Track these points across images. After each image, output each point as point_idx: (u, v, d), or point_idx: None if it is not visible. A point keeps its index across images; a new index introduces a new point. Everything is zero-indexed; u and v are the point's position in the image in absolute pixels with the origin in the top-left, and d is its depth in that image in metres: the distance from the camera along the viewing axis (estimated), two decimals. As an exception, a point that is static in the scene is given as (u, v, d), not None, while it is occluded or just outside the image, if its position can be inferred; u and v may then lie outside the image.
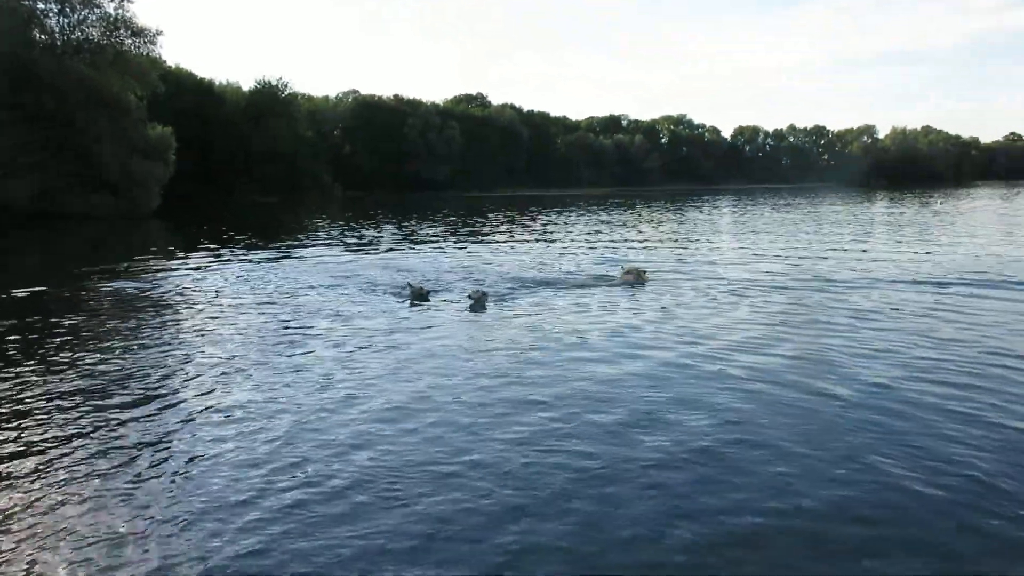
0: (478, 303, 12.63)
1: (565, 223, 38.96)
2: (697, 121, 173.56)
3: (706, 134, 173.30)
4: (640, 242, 27.08)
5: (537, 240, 28.50)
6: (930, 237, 27.28)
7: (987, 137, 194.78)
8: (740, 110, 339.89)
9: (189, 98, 69.01)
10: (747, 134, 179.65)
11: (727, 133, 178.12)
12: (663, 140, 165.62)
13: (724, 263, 19.97)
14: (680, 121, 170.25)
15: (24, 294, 15.94)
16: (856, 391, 7.87)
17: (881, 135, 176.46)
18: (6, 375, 9.07)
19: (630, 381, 8.35)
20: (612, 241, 27.44)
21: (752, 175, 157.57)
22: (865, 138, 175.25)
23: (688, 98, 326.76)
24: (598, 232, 32.08)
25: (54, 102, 43.56)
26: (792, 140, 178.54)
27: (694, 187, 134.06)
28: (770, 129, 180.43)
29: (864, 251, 22.82)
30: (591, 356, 9.51)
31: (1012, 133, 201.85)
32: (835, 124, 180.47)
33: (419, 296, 13.54)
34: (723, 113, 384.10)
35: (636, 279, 15.51)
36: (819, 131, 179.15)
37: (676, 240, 28.19)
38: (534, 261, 20.72)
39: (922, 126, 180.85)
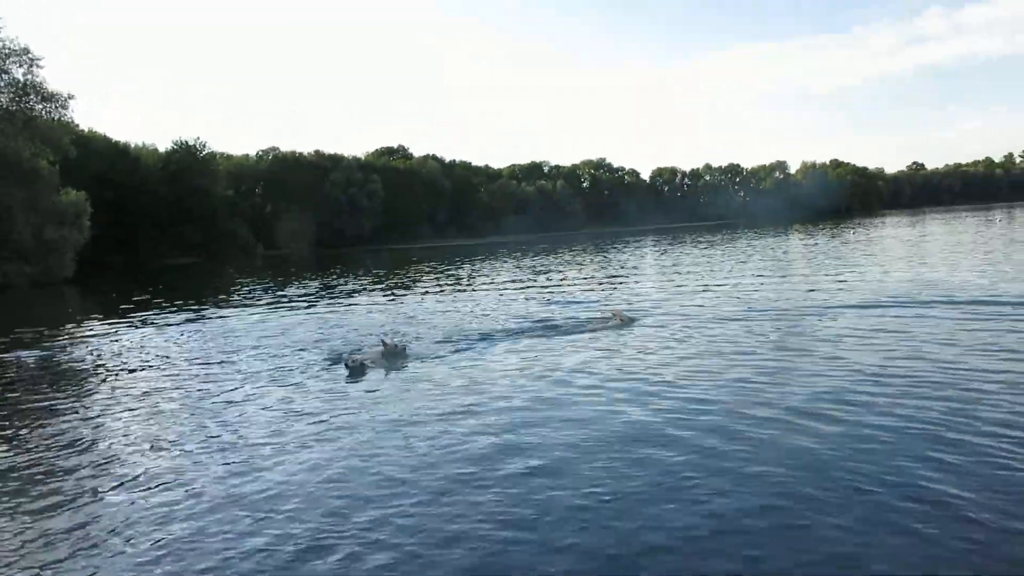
0: (356, 370, 11.97)
1: (493, 271, 39.63)
2: (616, 164, 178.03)
3: (626, 176, 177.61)
4: (582, 283, 27.87)
5: (470, 289, 29.01)
6: (855, 264, 28.79)
7: (891, 168, 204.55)
8: (658, 151, 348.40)
9: (103, 161, 68.21)
10: (665, 175, 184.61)
11: (646, 175, 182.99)
12: (585, 184, 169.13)
13: (663, 300, 20.58)
14: (600, 165, 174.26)
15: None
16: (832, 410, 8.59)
17: (792, 170, 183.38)
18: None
19: (578, 429, 8.57)
20: (546, 287, 28.08)
21: (673, 214, 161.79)
22: (778, 173, 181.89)
23: (607, 141, 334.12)
24: (532, 278, 32.75)
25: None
26: (708, 179, 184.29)
27: (617, 228, 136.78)
28: (687, 169, 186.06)
29: (801, 279, 24.11)
30: (568, 396, 9.99)
31: (914, 163, 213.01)
32: (748, 162, 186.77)
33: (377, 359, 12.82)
34: (641, 155, 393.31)
35: (623, 322, 15.55)
36: (734, 169, 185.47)
37: (613, 280, 29.09)
38: (473, 311, 20.71)
39: (831, 159, 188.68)
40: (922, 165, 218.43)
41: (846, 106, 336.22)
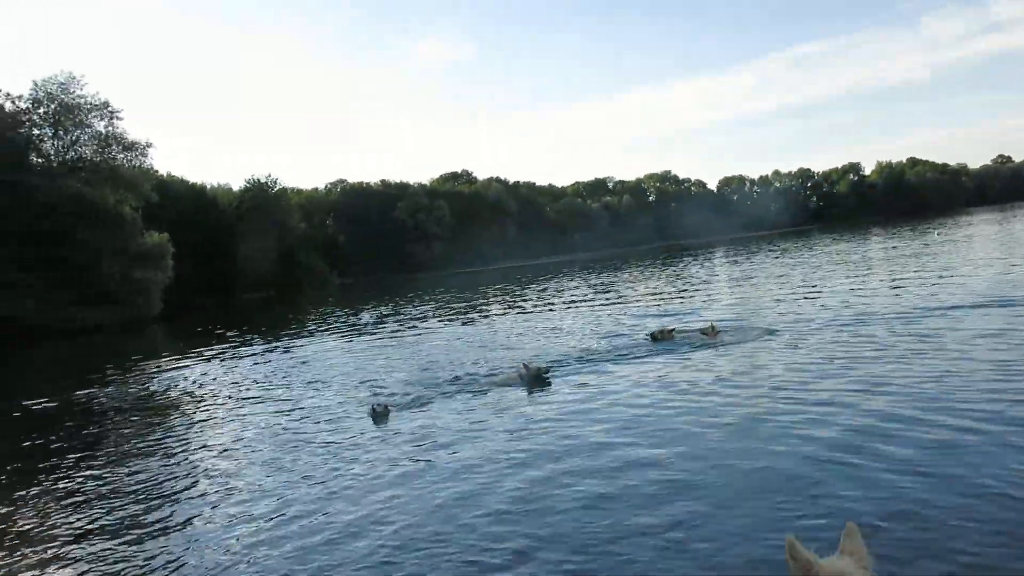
0: (380, 416, 11.43)
1: (572, 289, 39.88)
2: (682, 176, 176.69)
3: (692, 187, 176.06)
4: (671, 296, 27.77)
5: (554, 307, 29.24)
6: (941, 266, 27.71)
7: (975, 163, 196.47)
8: (723, 161, 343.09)
9: (183, 203, 71.11)
10: (733, 184, 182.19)
11: (713, 185, 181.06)
12: (651, 198, 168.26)
13: (755, 311, 20.38)
14: (665, 177, 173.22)
15: (33, 406, 16.96)
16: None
17: (867, 171, 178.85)
18: (17, 487, 10.06)
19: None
20: (629, 301, 28.20)
21: (742, 223, 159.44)
22: (851, 175, 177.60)
23: (671, 154, 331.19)
24: (612, 293, 32.86)
25: (50, 221, 45.16)
26: (778, 185, 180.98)
27: (686, 241, 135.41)
28: (755, 176, 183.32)
29: (884, 284, 23.61)
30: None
31: (1000, 156, 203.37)
32: (819, 166, 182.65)
33: (536, 377, 12.70)
34: (706, 166, 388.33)
35: (713, 335, 15.20)
36: (804, 173, 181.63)
37: (701, 291, 29.03)
38: (563, 330, 20.74)
39: (907, 158, 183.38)
40: (1009, 158, 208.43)
41: (919, 98, 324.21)
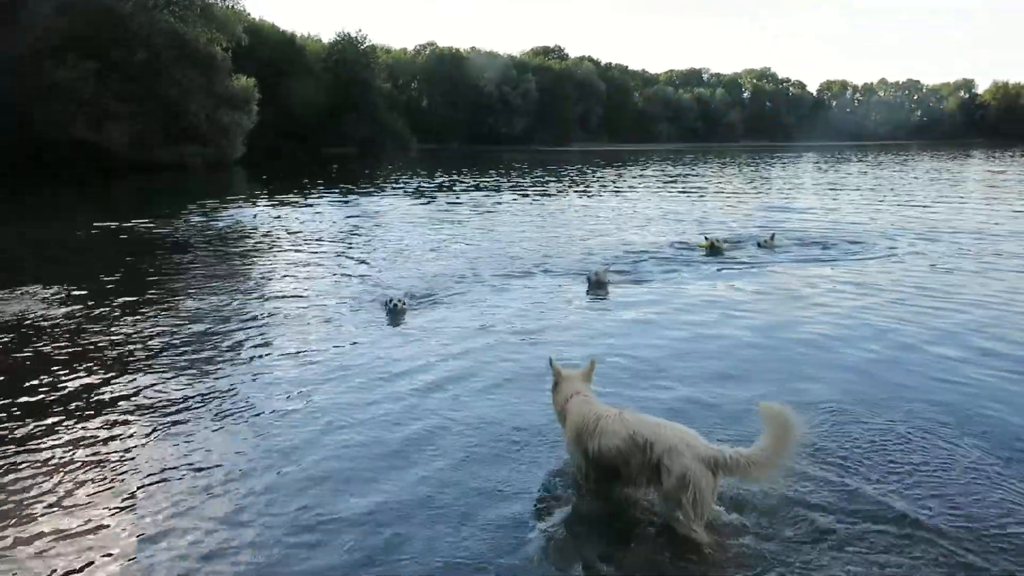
0: (396, 313, 9.47)
1: (651, 179, 39.01)
2: (782, 75, 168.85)
3: (791, 88, 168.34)
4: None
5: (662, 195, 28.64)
6: None
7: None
8: (827, 63, 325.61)
9: (271, 50, 70.68)
10: (834, 89, 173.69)
11: (813, 88, 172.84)
12: (745, 94, 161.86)
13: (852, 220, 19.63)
14: (764, 75, 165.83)
15: (136, 226, 17.60)
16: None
17: (981, 90, 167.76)
18: (105, 303, 10.32)
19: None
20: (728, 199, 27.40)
21: (839, 131, 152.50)
22: (962, 93, 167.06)
23: (772, 51, 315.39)
24: (703, 188, 32.05)
25: (145, 55, 45.37)
26: (882, 95, 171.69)
27: (776, 144, 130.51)
28: (859, 83, 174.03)
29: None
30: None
31: None
32: (930, 79, 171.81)
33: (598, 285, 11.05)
34: (809, 67, 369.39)
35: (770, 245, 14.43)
36: (912, 85, 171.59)
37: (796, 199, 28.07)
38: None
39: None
40: None
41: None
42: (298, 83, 71.00)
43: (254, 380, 6.94)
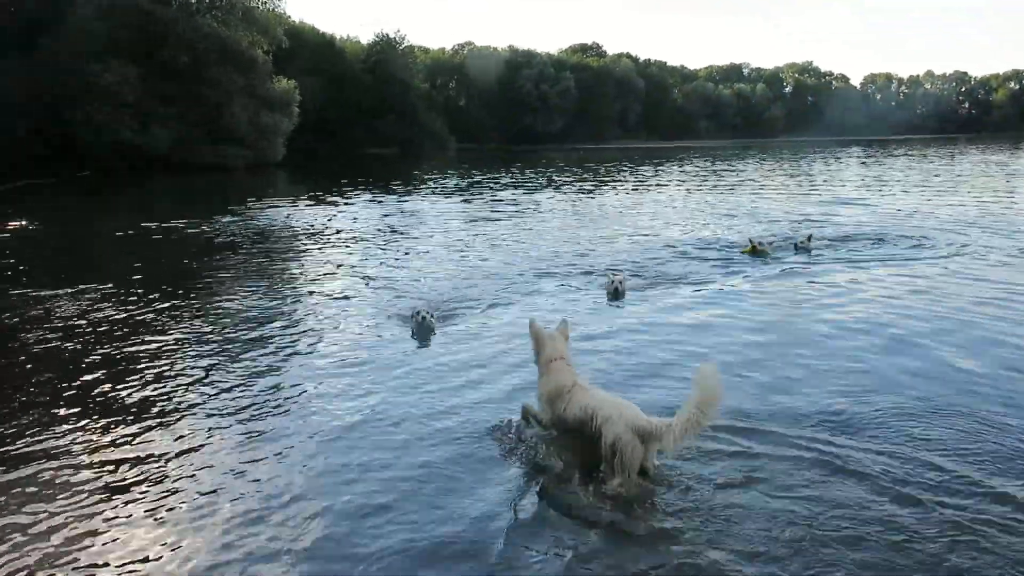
0: (423, 329, 8.75)
1: (691, 177, 38.65)
2: (824, 68, 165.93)
3: (834, 82, 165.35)
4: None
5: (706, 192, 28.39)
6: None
7: None
8: (871, 56, 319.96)
9: (311, 52, 71.29)
10: (879, 82, 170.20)
11: (857, 81, 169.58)
12: (787, 89, 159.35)
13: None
14: (806, 68, 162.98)
15: (178, 226, 17.89)
16: None
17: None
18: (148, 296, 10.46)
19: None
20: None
21: (883, 125, 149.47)
22: (1012, 84, 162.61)
23: (815, 45, 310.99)
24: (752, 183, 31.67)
25: (188, 58, 46.03)
26: (928, 87, 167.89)
27: (819, 138, 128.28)
28: (904, 76, 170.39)
29: None
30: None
31: None
32: (978, 70, 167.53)
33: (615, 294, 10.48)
34: (852, 60, 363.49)
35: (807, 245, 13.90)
36: (960, 77, 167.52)
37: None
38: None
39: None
40: None
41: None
42: (338, 85, 71.55)
43: (302, 383, 6.96)
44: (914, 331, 8.24)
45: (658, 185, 31.79)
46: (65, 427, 5.92)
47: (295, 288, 11.61)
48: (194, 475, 5.09)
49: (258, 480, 4.99)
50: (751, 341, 8.09)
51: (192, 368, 7.37)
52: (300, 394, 6.61)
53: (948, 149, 67.19)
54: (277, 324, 9.08)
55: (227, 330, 8.84)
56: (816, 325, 8.72)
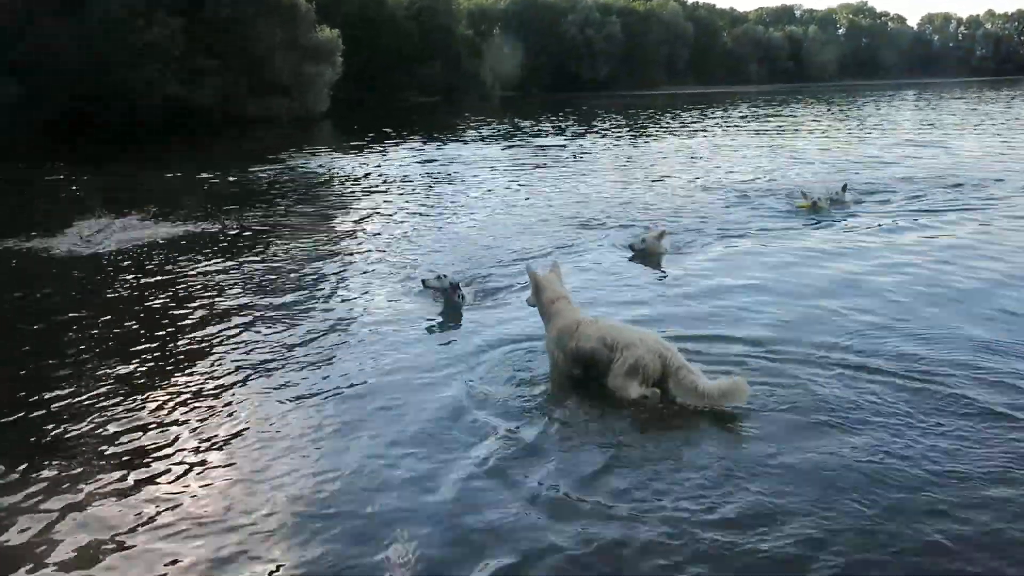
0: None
1: (742, 125, 37.79)
2: (880, 8, 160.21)
3: (889, 23, 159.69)
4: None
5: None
6: None
7: None
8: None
9: (355, 0, 70.62)
10: (936, 22, 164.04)
11: (913, 22, 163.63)
12: (840, 31, 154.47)
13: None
14: (860, 9, 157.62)
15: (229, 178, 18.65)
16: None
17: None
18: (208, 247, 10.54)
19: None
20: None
21: (941, 68, 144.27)
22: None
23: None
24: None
25: (230, 9, 45.81)
26: (989, 27, 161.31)
27: (875, 82, 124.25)
28: (963, 16, 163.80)
29: None
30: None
31: None
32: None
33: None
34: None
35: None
36: (1022, 16, 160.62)
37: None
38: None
39: None
40: None
41: None
42: (381, 33, 70.96)
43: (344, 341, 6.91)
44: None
45: (708, 133, 31.05)
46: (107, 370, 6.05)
47: (346, 239, 11.71)
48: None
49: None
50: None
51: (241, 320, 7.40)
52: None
53: (1007, 90, 64.57)
54: (326, 278, 9.11)
55: (282, 277, 9.22)
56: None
